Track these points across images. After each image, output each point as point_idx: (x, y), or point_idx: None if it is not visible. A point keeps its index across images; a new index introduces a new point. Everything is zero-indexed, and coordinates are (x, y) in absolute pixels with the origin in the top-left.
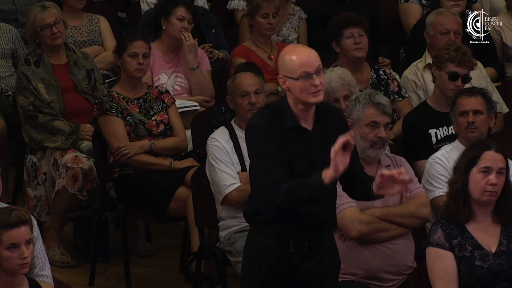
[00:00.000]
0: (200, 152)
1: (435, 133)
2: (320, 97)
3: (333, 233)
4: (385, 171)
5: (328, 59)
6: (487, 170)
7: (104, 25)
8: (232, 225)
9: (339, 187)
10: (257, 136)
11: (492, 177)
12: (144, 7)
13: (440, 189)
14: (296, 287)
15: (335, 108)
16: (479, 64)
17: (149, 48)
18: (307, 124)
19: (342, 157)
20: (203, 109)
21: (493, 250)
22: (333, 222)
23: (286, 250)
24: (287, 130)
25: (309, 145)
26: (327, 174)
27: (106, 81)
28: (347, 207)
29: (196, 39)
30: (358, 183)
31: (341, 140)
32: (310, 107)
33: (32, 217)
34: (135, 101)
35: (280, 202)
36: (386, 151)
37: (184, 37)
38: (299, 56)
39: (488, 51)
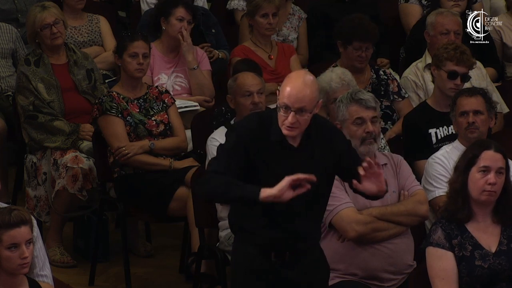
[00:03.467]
0: (200, 152)
1: (435, 133)
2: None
3: (317, 243)
4: (368, 159)
5: (329, 59)
6: (486, 170)
7: (104, 25)
8: None
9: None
10: (233, 137)
11: (491, 177)
12: (144, 7)
13: (440, 189)
14: None
15: (333, 127)
16: (479, 64)
17: (149, 48)
18: (294, 140)
19: (290, 191)
20: (203, 109)
21: (493, 250)
22: (316, 235)
23: (268, 258)
24: (271, 142)
25: (292, 161)
26: (267, 192)
27: (106, 81)
28: (344, 208)
29: (190, 37)
30: None
31: (294, 177)
32: None
33: (32, 217)
34: (135, 101)
35: (210, 190)
36: (386, 151)
37: (182, 37)
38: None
39: (488, 51)
